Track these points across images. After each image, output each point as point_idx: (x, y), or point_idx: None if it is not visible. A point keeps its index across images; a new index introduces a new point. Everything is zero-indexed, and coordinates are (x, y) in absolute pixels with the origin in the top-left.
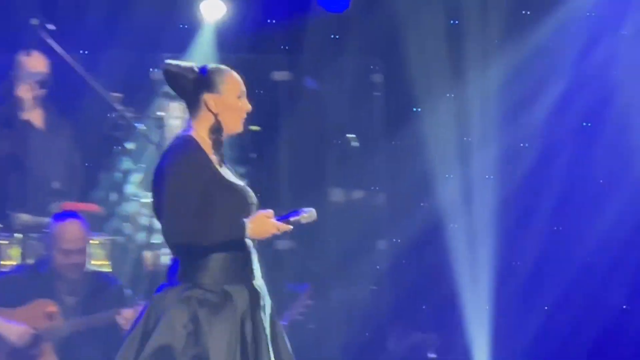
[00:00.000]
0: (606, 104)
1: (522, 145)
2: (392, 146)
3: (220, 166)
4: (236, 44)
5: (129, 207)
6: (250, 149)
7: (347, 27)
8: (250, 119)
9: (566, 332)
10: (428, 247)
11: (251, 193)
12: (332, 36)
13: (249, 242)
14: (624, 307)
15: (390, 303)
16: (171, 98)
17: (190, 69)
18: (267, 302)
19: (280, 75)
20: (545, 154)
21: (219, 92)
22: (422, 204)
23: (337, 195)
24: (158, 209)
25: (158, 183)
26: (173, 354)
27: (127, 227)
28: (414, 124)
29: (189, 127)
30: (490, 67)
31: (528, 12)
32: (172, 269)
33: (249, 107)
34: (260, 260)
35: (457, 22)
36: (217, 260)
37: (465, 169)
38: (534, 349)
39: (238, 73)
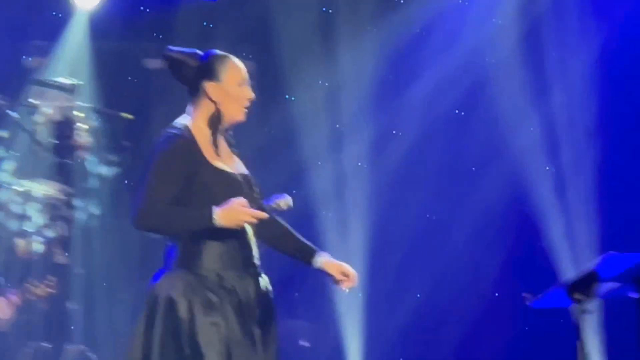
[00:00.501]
0: (479, 91)
1: (394, 132)
2: (265, 134)
3: (219, 155)
4: (109, 32)
5: (1, 195)
6: (124, 137)
7: (220, 15)
8: (123, 107)
9: (438, 319)
10: (300, 234)
11: (247, 182)
12: (205, 24)
13: (247, 229)
14: (496, 294)
15: None
16: (45, 86)
17: (192, 56)
18: (266, 294)
19: (153, 63)
20: (418, 141)
21: (220, 80)
22: (294, 192)
23: None
24: None
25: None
26: (180, 344)
27: None
28: (286, 111)
29: (187, 114)
30: (363, 54)
31: (401, 0)
32: (169, 253)
33: (251, 95)
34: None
35: (329, 9)
36: (212, 247)
37: (337, 157)
38: (405, 337)
39: (112, 61)
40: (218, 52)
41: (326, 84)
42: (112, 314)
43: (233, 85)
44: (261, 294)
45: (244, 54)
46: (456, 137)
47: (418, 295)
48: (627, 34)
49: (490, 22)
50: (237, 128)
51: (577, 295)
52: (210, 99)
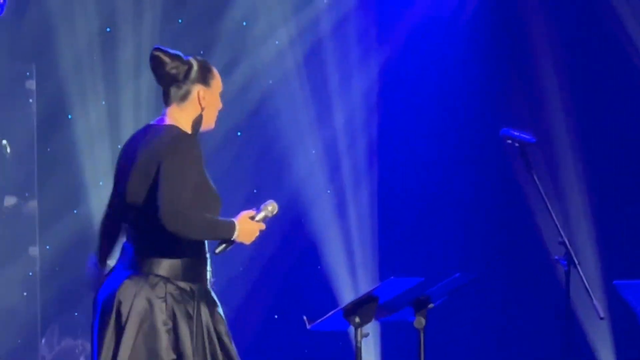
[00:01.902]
0: (260, 113)
1: None
2: (45, 152)
3: None
4: None
5: None
6: None
7: (0, 31)
8: None
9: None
10: (80, 253)
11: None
12: None
13: (205, 242)
14: (275, 316)
15: (43, 309)
16: None
17: (179, 58)
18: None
19: None
20: None
21: (210, 86)
22: (74, 211)
23: None
24: (138, 193)
25: (144, 167)
26: (159, 353)
27: None
28: (67, 130)
29: (164, 116)
30: (143, 74)
31: (182, 21)
32: (130, 254)
33: (221, 105)
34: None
35: (111, 29)
36: (188, 257)
37: None
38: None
39: None
40: (202, 58)
41: (107, 103)
42: None
43: (217, 94)
44: (217, 308)
45: (26, 73)
46: (236, 158)
47: None
48: (405, 57)
49: (271, 44)
50: (19, 146)
51: (355, 319)
52: (199, 104)
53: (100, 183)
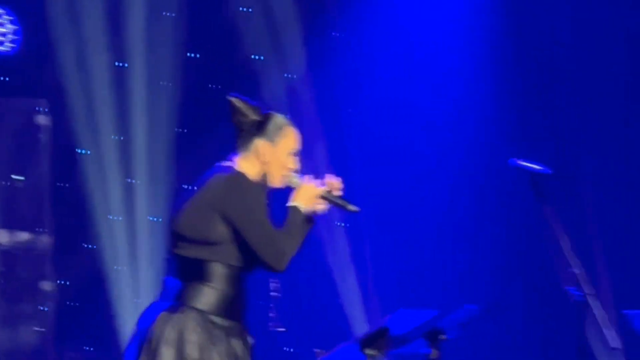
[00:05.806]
0: None
1: (185, 187)
2: (57, 187)
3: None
4: None
5: None
6: None
7: (14, 68)
8: None
9: None
10: (93, 289)
11: None
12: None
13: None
14: (290, 350)
15: (56, 344)
16: None
17: (254, 109)
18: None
19: None
20: None
21: (273, 142)
22: (86, 246)
23: (1, 236)
24: (188, 226)
25: (198, 203)
26: None
27: None
28: (79, 165)
29: (232, 161)
30: (157, 109)
31: (194, 55)
32: (172, 285)
33: (297, 166)
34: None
35: (123, 64)
36: (227, 293)
37: (130, 211)
38: None
39: None
40: (281, 115)
41: (120, 138)
42: None
43: (284, 153)
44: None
45: (38, 108)
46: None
47: None
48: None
49: (282, 77)
50: (31, 182)
51: (368, 351)
52: (258, 157)
53: (110, 217)
